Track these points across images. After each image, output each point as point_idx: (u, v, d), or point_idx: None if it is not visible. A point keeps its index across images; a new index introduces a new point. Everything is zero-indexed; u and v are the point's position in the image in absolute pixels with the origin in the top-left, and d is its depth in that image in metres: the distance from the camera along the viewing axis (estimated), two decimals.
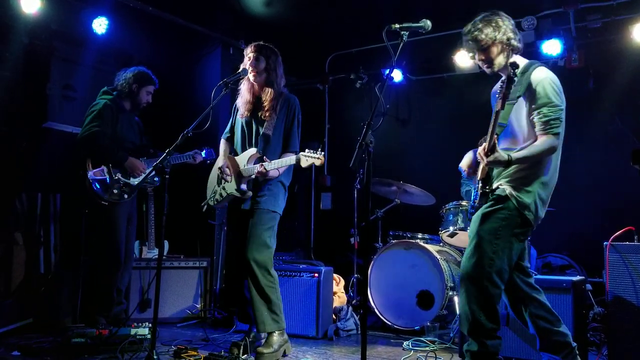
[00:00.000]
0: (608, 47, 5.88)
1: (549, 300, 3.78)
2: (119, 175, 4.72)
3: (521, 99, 3.11)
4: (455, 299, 4.83)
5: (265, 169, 3.93)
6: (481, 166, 3.16)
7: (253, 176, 4.05)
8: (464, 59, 6.24)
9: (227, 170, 4.11)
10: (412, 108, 7.50)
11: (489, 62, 3.23)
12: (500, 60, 3.22)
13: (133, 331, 4.13)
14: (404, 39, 3.00)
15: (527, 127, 3.13)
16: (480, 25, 3.19)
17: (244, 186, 4.08)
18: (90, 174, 4.65)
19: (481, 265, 3.06)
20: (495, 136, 2.96)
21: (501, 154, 2.96)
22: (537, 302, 3.27)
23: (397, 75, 6.99)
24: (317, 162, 3.79)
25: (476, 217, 3.18)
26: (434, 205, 5.59)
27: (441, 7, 5.66)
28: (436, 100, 7.08)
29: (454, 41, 6.21)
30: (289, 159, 3.92)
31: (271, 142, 4.10)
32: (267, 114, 4.10)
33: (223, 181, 4.17)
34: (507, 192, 3.11)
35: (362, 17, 6.25)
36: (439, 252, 5.12)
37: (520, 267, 3.30)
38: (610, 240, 3.80)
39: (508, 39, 3.18)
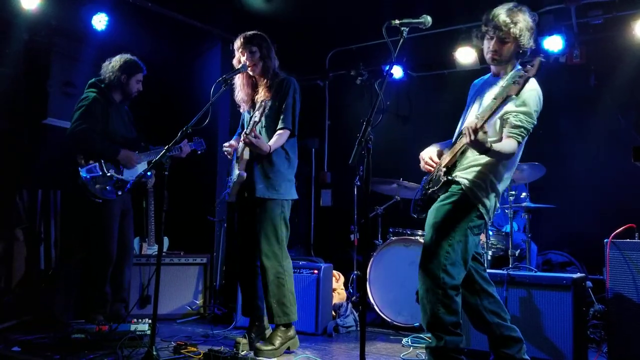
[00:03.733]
0: (610, 44, 5.86)
1: (549, 298, 3.80)
2: (112, 172, 4.70)
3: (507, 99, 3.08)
4: None
5: (244, 136, 3.87)
6: (458, 147, 3.14)
7: (247, 157, 3.99)
8: (465, 55, 6.22)
9: (227, 145, 4.14)
10: (412, 104, 7.49)
11: (499, 55, 3.16)
12: (507, 52, 3.14)
13: (133, 327, 4.13)
14: (404, 35, 2.98)
15: (498, 125, 3.11)
16: (519, 20, 3.08)
17: (238, 168, 4.04)
18: (82, 171, 4.60)
19: (437, 257, 3.06)
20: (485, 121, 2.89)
21: (486, 137, 2.89)
22: (492, 297, 3.27)
23: (397, 72, 6.97)
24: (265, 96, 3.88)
25: (432, 210, 3.19)
26: None
27: (441, 3, 5.64)
28: (437, 97, 7.06)
29: (455, 37, 6.21)
30: (252, 119, 3.90)
31: (264, 123, 4.05)
32: (262, 95, 4.08)
33: (231, 174, 4.17)
34: (465, 186, 3.12)
35: (362, 13, 6.23)
36: None
37: (476, 259, 3.29)
38: (610, 237, 3.79)
39: (525, 44, 3.12)
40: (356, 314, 5.14)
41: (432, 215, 3.18)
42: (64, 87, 5.67)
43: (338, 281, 5.52)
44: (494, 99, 2.90)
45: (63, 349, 3.94)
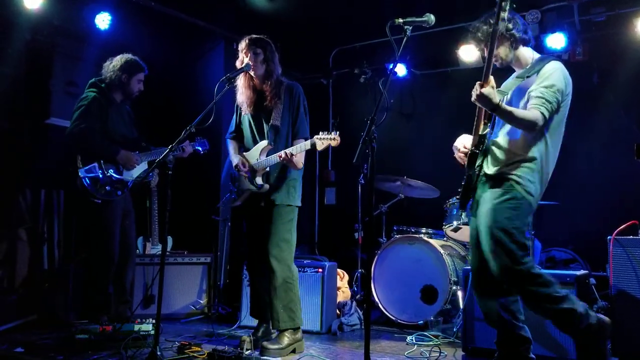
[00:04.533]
0: (612, 41, 5.84)
1: None
2: (111, 172, 4.65)
3: (530, 79, 3.14)
4: (459, 293, 4.82)
5: (288, 154, 3.88)
6: (476, 115, 3.16)
7: (268, 169, 4.06)
8: (468, 53, 6.21)
9: (243, 168, 4.11)
10: (416, 102, 7.48)
11: (498, 58, 3.23)
12: (504, 53, 3.22)
13: (137, 327, 4.13)
14: (408, 33, 2.99)
15: (523, 102, 3.15)
16: (477, 24, 3.23)
17: (259, 180, 4.08)
18: (81, 171, 4.56)
19: (515, 263, 3.04)
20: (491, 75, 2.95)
21: (495, 92, 2.91)
22: (514, 296, 3.26)
23: (401, 70, 6.95)
24: (333, 143, 3.80)
25: (486, 212, 3.13)
26: (438, 200, 5.57)
27: (445, 1, 5.63)
28: (440, 95, 7.04)
29: (458, 35, 6.19)
30: (304, 144, 3.91)
31: (281, 132, 4.10)
32: (271, 103, 4.08)
33: (238, 179, 4.18)
34: (513, 180, 3.11)
35: (366, 12, 6.22)
36: (442, 246, 5.11)
37: None
38: (614, 234, 3.79)
39: (508, 30, 3.16)
40: (360, 312, 5.14)
41: (486, 217, 3.13)
42: (67, 86, 5.67)
43: (342, 279, 5.53)
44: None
45: (67, 349, 3.95)
